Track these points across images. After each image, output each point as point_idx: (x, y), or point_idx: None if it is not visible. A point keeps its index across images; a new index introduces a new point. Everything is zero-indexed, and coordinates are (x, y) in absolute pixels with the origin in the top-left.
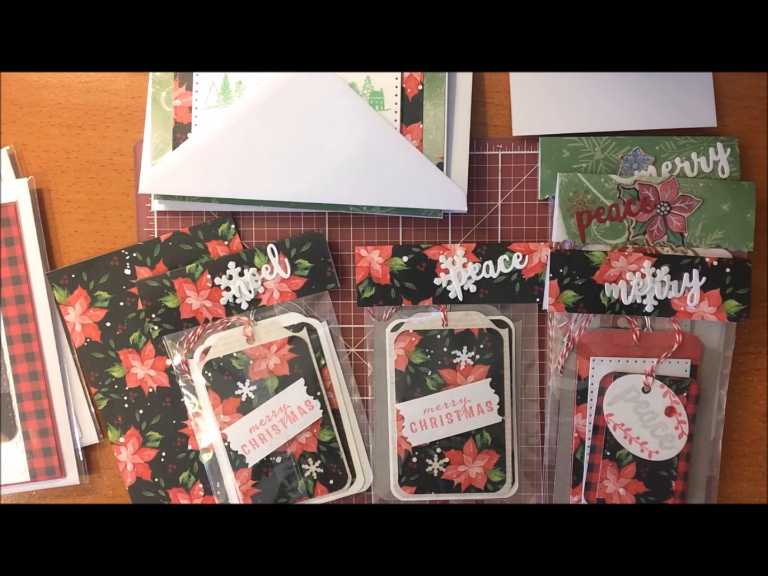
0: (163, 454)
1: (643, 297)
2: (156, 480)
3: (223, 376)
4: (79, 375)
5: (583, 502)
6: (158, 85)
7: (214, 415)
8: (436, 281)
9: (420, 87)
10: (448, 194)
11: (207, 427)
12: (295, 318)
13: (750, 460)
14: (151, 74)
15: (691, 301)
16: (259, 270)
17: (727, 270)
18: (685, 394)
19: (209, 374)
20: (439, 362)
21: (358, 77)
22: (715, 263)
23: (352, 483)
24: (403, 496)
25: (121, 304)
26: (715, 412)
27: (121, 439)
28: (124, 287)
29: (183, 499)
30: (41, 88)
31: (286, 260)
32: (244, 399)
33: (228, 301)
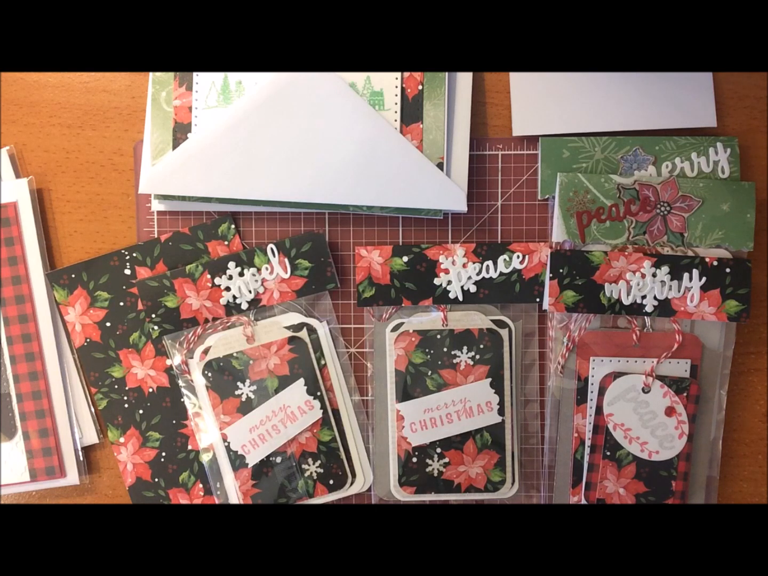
0: (163, 454)
1: (643, 297)
2: (156, 480)
3: (223, 376)
4: (79, 375)
5: (583, 502)
6: (158, 85)
7: (214, 415)
8: (436, 281)
9: (420, 87)
10: (448, 194)
11: (207, 427)
12: (295, 318)
13: (750, 460)
14: (151, 74)
15: (691, 301)
16: (259, 270)
17: (727, 270)
18: (685, 394)
19: (209, 374)
20: (439, 362)
21: (358, 77)
22: (715, 263)
23: (352, 483)
24: (403, 496)
25: (121, 304)
26: (715, 412)
27: (121, 439)
28: (124, 287)
29: (183, 499)
30: (41, 88)
31: (286, 260)
32: (244, 399)
33: (228, 301)
